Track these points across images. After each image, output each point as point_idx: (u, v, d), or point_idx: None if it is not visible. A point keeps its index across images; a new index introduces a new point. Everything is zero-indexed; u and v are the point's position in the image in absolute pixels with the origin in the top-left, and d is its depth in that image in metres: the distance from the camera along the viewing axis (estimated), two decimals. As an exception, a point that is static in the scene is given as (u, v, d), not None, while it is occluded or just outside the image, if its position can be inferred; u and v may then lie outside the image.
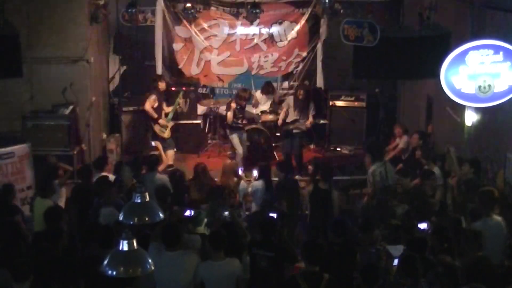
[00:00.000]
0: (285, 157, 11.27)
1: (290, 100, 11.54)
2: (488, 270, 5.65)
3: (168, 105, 11.54)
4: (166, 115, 11.38)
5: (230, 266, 5.93)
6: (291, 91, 13.00)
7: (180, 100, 11.68)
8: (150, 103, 11.10)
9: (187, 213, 6.33)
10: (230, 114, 11.14)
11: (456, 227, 6.60)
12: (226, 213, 6.84)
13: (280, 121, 11.49)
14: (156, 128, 11.15)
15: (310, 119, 11.36)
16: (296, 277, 5.74)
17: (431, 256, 6.01)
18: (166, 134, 11.27)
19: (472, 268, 5.66)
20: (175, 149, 11.53)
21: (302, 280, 5.67)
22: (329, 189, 8.31)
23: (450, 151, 8.59)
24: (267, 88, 12.24)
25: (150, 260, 4.06)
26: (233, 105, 11.11)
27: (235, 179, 8.86)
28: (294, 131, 11.11)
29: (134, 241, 4.01)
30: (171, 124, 11.38)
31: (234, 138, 11.39)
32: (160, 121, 11.20)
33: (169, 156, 11.28)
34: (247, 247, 6.46)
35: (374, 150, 9.15)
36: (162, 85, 11.40)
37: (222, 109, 12.02)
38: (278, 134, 11.95)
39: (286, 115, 11.42)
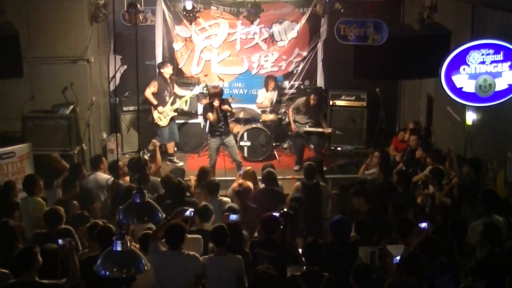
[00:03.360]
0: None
1: (299, 101, 11.51)
2: (501, 265, 5.68)
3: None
4: (175, 100, 11.39)
5: (231, 262, 5.97)
6: (291, 91, 13.03)
7: (200, 91, 11.71)
8: (150, 89, 11.20)
9: (187, 213, 6.32)
10: (211, 115, 10.47)
11: (458, 227, 6.61)
12: (234, 217, 6.82)
13: (292, 126, 11.42)
14: (155, 115, 11.17)
15: (328, 128, 11.41)
16: (296, 277, 5.75)
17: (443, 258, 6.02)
18: (163, 122, 11.29)
19: (488, 263, 5.68)
20: (172, 142, 11.68)
21: (301, 280, 5.69)
22: (316, 185, 8.34)
23: (450, 151, 8.59)
24: (268, 82, 12.33)
25: (144, 261, 4.04)
26: (216, 104, 10.42)
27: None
28: (307, 129, 11.19)
29: (128, 242, 3.99)
30: (172, 114, 11.38)
31: (213, 143, 10.78)
32: (159, 108, 11.23)
33: (168, 147, 11.56)
34: (249, 246, 6.48)
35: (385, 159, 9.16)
36: (167, 71, 11.42)
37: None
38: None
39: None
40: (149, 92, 11.23)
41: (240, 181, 8.11)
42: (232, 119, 11.61)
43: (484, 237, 6.16)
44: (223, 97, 10.78)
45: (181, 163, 11.70)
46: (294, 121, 11.46)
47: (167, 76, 11.47)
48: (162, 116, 11.27)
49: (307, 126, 11.33)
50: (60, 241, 5.86)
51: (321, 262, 5.86)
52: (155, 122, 11.24)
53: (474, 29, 8.72)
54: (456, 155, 8.56)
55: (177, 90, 11.78)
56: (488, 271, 5.74)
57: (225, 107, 10.56)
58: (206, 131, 12.35)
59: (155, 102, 11.22)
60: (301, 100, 11.49)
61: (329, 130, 11.49)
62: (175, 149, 12.32)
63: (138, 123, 11.07)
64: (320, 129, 11.37)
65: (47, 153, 9.82)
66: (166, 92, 11.39)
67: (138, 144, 9.69)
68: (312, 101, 11.20)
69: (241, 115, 12.08)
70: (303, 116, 11.38)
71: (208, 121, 12.01)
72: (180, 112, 12.10)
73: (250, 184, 7.97)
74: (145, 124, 11.39)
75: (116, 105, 12.42)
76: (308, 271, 5.81)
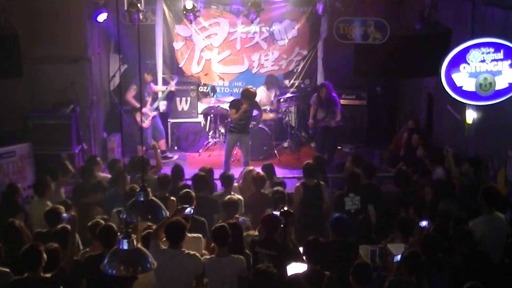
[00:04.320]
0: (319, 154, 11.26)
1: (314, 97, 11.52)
2: (484, 266, 5.66)
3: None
4: (154, 98, 11.50)
5: (233, 263, 5.97)
6: (291, 90, 13.03)
7: (171, 88, 11.82)
8: (130, 93, 11.26)
9: (187, 211, 6.34)
10: (234, 111, 10.61)
11: (457, 225, 6.62)
12: (243, 220, 6.85)
13: (310, 121, 11.40)
14: (137, 117, 11.21)
15: (339, 115, 11.32)
16: (297, 276, 5.75)
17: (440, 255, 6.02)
18: (146, 124, 11.37)
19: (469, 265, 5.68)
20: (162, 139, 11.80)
21: (303, 279, 5.69)
22: (318, 185, 8.29)
23: (448, 152, 8.61)
24: (270, 81, 12.35)
25: (150, 259, 4.06)
26: (245, 106, 10.55)
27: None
28: (325, 124, 11.18)
29: (134, 240, 4.01)
30: (153, 113, 11.48)
31: (230, 140, 10.87)
32: (143, 110, 11.27)
33: (160, 145, 11.56)
34: (250, 246, 6.48)
35: (358, 160, 9.10)
36: (147, 77, 11.45)
37: (222, 107, 12.01)
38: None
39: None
40: (130, 96, 11.27)
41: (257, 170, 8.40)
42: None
43: (458, 243, 6.12)
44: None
45: (176, 156, 11.70)
46: (314, 118, 11.39)
47: (147, 80, 11.48)
48: (144, 117, 11.32)
49: (325, 121, 11.30)
50: (64, 215, 5.94)
51: (322, 261, 5.86)
52: (138, 125, 11.19)
53: (474, 27, 8.73)
54: (453, 155, 8.56)
55: (154, 87, 11.85)
56: (469, 274, 5.70)
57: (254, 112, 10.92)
58: (207, 129, 12.44)
59: (137, 105, 11.20)
60: (314, 95, 11.49)
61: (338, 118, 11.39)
62: (175, 147, 12.36)
63: (142, 120, 11.09)
64: (334, 122, 11.31)
65: (48, 152, 9.84)
66: (146, 93, 11.45)
67: (141, 142, 9.78)
68: (322, 94, 11.20)
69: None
70: (320, 112, 11.31)
71: (208, 120, 12.11)
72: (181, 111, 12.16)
73: (263, 174, 8.25)
74: (129, 125, 11.44)
75: (116, 104, 12.43)
76: (310, 270, 5.81)
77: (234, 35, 12.79)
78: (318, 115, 11.36)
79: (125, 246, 3.96)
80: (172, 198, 7.67)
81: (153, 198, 4.33)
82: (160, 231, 5.89)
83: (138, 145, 10.95)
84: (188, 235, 6.34)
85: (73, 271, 5.83)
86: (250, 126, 11.08)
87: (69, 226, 6.46)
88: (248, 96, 10.65)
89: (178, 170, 8.61)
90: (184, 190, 7.33)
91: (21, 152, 9.44)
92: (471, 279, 5.39)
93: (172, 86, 11.86)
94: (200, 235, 6.63)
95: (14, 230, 6.51)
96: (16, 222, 6.60)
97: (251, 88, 10.97)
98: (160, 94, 11.98)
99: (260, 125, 11.80)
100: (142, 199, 4.25)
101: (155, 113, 11.56)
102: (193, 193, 7.25)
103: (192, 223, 6.60)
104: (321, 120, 11.28)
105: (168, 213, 4.67)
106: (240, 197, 7.98)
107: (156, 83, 12.08)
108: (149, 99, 11.47)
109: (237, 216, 7.07)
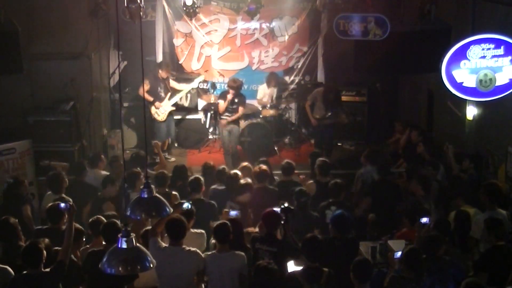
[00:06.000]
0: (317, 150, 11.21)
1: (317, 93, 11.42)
2: (504, 259, 5.70)
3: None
4: (173, 93, 11.47)
5: (233, 259, 5.98)
6: (292, 86, 13.03)
7: (191, 88, 11.88)
8: (141, 87, 11.19)
9: (184, 206, 6.35)
10: (222, 103, 11.06)
11: (462, 220, 6.63)
12: (234, 213, 6.86)
13: (312, 121, 11.31)
14: (152, 110, 11.23)
15: (344, 116, 11.27)
16: (296, 273, 5.75)
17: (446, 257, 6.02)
18: (161, 117, 11.32)
19: (492, 256, 5.69)
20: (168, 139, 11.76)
21: (301, 276, 5.69)
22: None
23: (448, 149, 8.60)
24: (271, 79, 12.34)
25: (149, 258, 4.05)
26: (229, 96, 10.97)
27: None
28: (326, 122, 11.14)
29: (134, 239, 4.00)
30: (170, 108, 11.42)
31: (223, 130, 11.26)
32: (156, 103, 11.26)
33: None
34: (250, 242, 6.48)
35: (373, 156, 9.08)
36: (162, 74, 11.43)
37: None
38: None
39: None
40: (142, 91, 11.23)
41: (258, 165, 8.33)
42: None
43: (488, 231, 6.16)
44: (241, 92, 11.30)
45: (172, 159, 11.68)
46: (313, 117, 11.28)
47: (162, 76, 11.42)
48: (159, 111, 11.29)
49: (326, 118, 11.21)
50: (62, 205, 6.01)
51: (320, 258, 5.86)
52: (153, 118, 11.23)
53: (474, 23, 8.70)
54: (453, 152, 8.55)
55: (174, 84, 11.76)
56: (491, 265, 5.74)
57: (240, 109, 11.15)
58: (207, 126, 12.43)
59: (151, 99, 11.23)
60: (319, 90, 11.34)
61: (345, 120, 11.38)
62: (176, 144, 12.35)
63: (145, 118, 11.05)
64: (338, 120, 11.26)
65: (48, 149, 9.84)
66: (159, 88, 11.39)
67: (146, 139, 9.79)
68: (331, 96, 11.12)
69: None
70: (319, 109, 11.27)
71: (207, 117, 12.12)
72: (180, 108, 12.11)
73: (266, 167, 8.16)
74: (142, 121, 11.40)
75: (116, 101, 12.42)
76: (308, 267, 5.82)
77: (234, 32, 12.79)
78: (317, 113, 11.30)
79: (124, 245, 3.96)
80: (174, 192, 7.68)
81: (157, 194, 4.32)
82: (159, 228, 5.89)
83: (154, 140, 10.97)
84: (191, 230, 6.37)
85: (73, 267, 5.84)
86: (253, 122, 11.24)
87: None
88: (232, 86, 10.99)
89: (179, 170, 8.63)
90: (194, 176, 7.40)
91: (21, 149, 9.43)
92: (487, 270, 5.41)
93: (195, 84, 11.88)
94: (203, 231, 6.64)
95: (9, 226, 6.50)
96: (11, 219, 6.59)
97: (236, 79, 11.37)
98: (180, 87, 11.87)
99: (260, 122, 11.81)
100: (146, 195, 4.23)
101: (173, 108, 11.50)
102: (202, 180, 7.39)
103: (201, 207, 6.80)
104: (320, 119, 11.24)
105: (172, 210, 4.67)
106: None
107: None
108: (166, 95, 11.39)
109: (226, 210, 7.08)
